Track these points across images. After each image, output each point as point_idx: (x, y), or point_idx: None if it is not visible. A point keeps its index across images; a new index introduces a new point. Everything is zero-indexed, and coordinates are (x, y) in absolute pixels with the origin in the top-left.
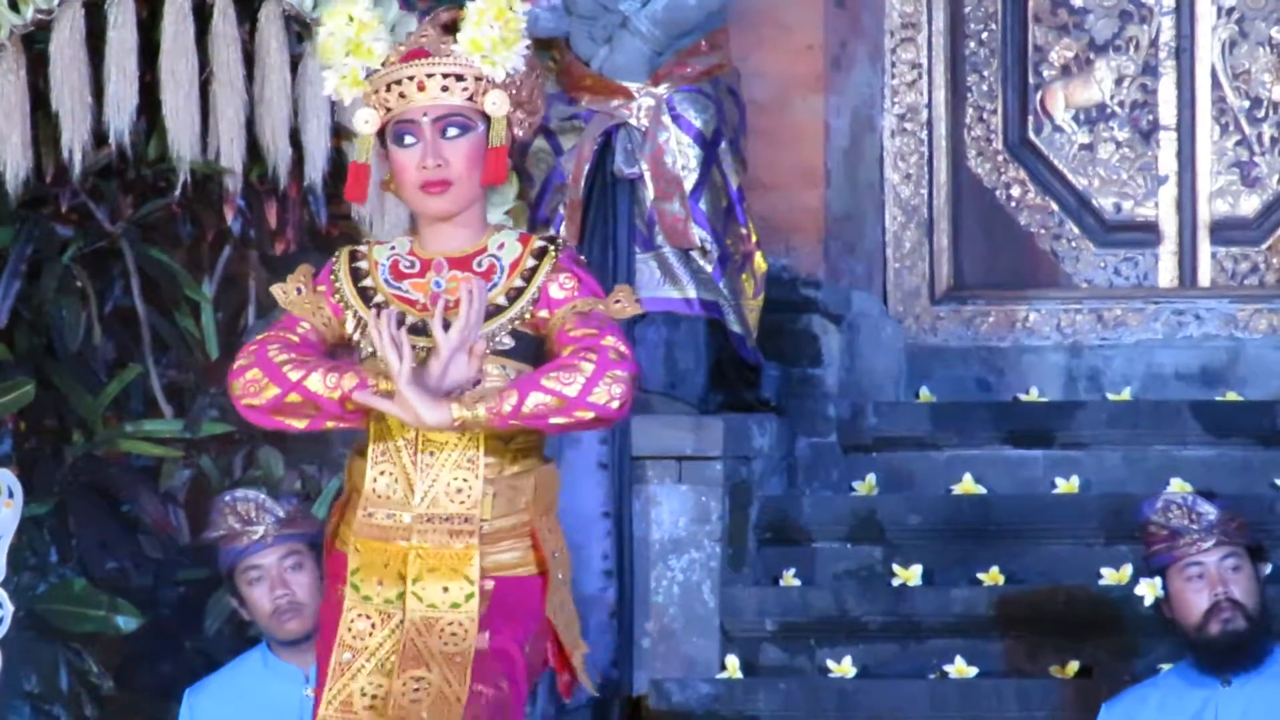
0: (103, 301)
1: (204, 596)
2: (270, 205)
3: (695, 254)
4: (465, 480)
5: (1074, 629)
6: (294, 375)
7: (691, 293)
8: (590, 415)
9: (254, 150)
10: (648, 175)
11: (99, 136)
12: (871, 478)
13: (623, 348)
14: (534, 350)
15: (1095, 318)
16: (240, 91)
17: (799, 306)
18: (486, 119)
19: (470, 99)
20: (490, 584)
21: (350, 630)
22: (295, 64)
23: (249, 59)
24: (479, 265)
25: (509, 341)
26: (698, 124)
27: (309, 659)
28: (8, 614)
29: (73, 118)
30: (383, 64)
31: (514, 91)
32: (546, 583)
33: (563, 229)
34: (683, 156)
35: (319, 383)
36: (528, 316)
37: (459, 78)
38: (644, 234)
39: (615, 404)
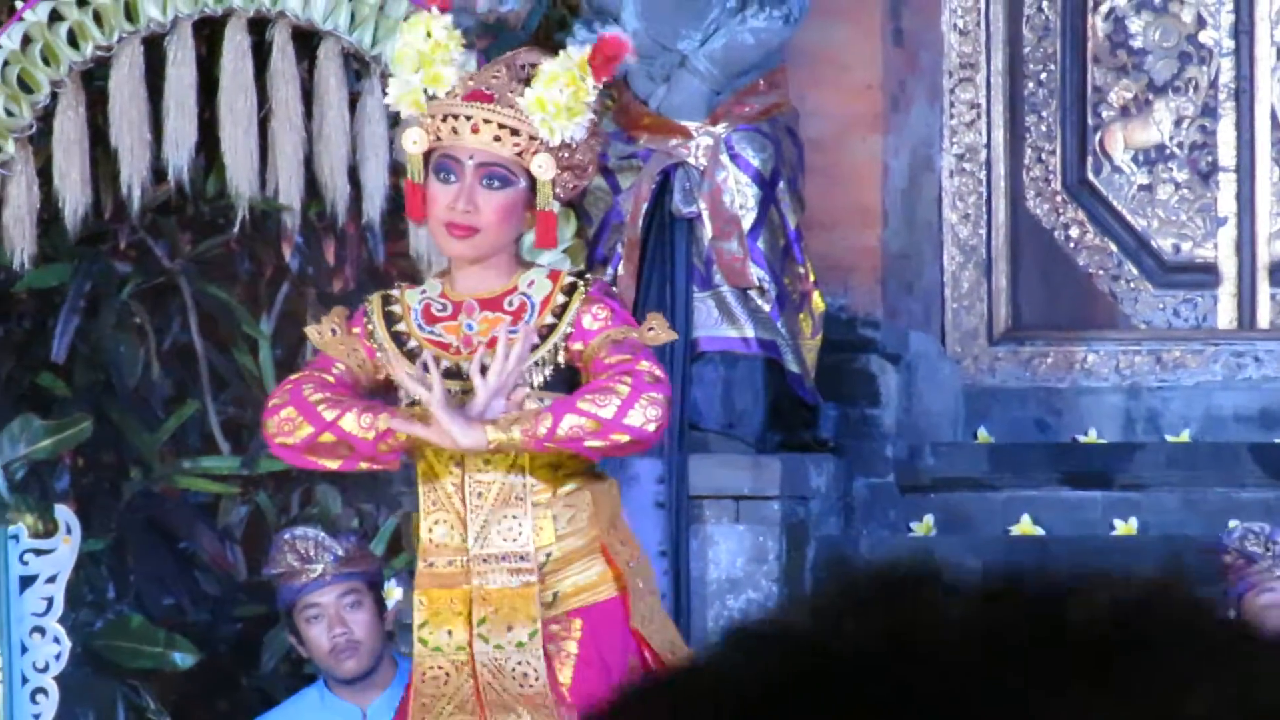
0: (161, 338)
1: (261, 633)
2: (328, 242)
3: (753, 293)
4: (515, 517)
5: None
6: (329, 414)
7: (749, 332)
8: (626, 438)
9: (312, 187)
10: (706, 214)
11: (158, 173)
12: (929, 518)
13: (658, 371)
14: (569, 382)
15: (1154, 359)
16: (299, 128)
17: (857, 346)
18: (531, 177)
19: (519, 154)
20: (578, 623)
21: (424, 681)
22: (354, 101)
23: (308, 96)
24: (509, 304)
25: (542, 377)
26: (756, 163)
27: (367, 697)
28: (65, 650)
29: (132, 154)
30: (447, 92)
31: (565, 156)
32: (627, 599)
33: (620, 268)
34: (741, 196)
35: (353, 422)
36: (562, 352)
37: (514, 131)
38: (702, 273)
39: (651, 426)
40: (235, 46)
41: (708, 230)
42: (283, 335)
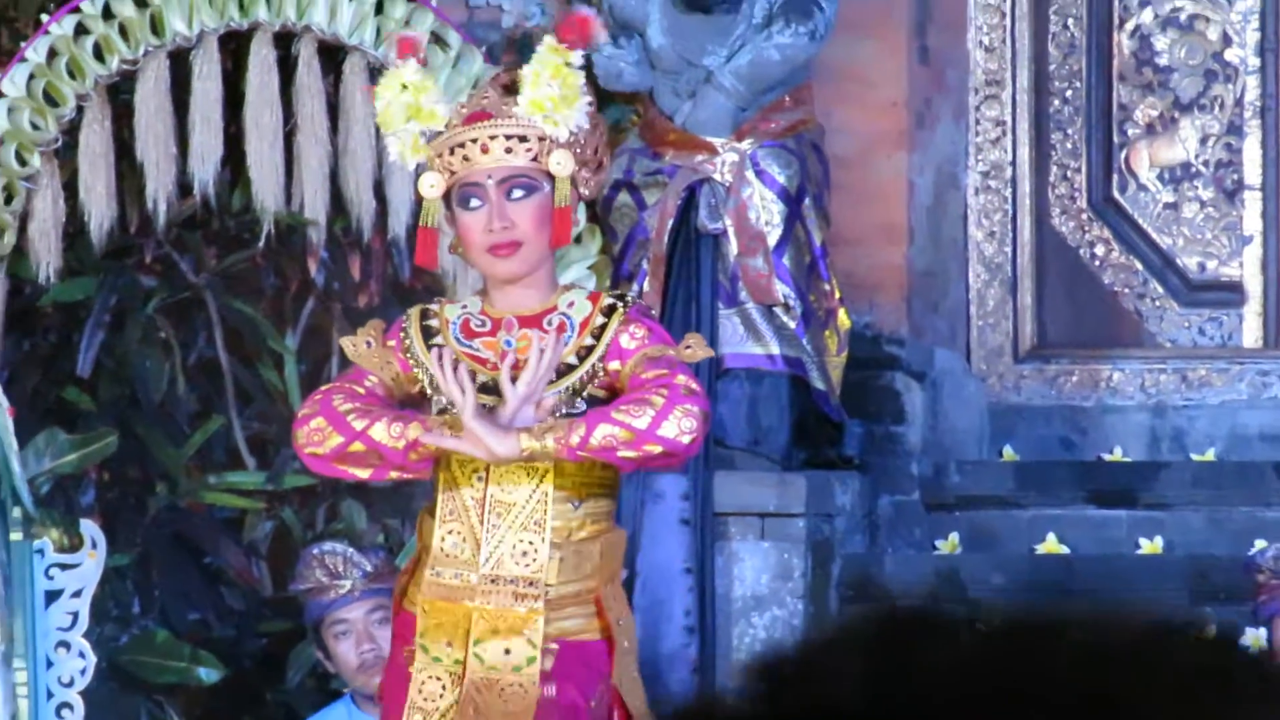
0: (186, 352)
1: (286, 648)
2: (354, 257)
3: (778, 310)
4: (531, 543)
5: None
6: (358, 424)
7: (775, 349)
8: (659, 449)
9: (338, 202)
10: (731, 231)
11: (183, 187)
12: (954, 536)
13: (694, 385)
14: (606, 402)
15: (1179, 378)
16: (324, 143)
17: (882, 363)
18: (552, 179)
19: (535, 160)
20: (555, 646)
21: (421, 692)
22: None
23: (333, 110)
24: (549, 323)
25: (581, 405)
26: (781, 179)
27: None
28: (90, 665)
29: (157, 168)
30: (445, 126)
31: (578, 150)
32: (612, 648)
33: (646, 284)
34: (766, 212)
35: (383, 432)
36: (600, 373)
37: (522, 139)
38: (727, 290)
39: (686, 438)
40: (261, 61)
41: (733, 246)
42: (308, 350)
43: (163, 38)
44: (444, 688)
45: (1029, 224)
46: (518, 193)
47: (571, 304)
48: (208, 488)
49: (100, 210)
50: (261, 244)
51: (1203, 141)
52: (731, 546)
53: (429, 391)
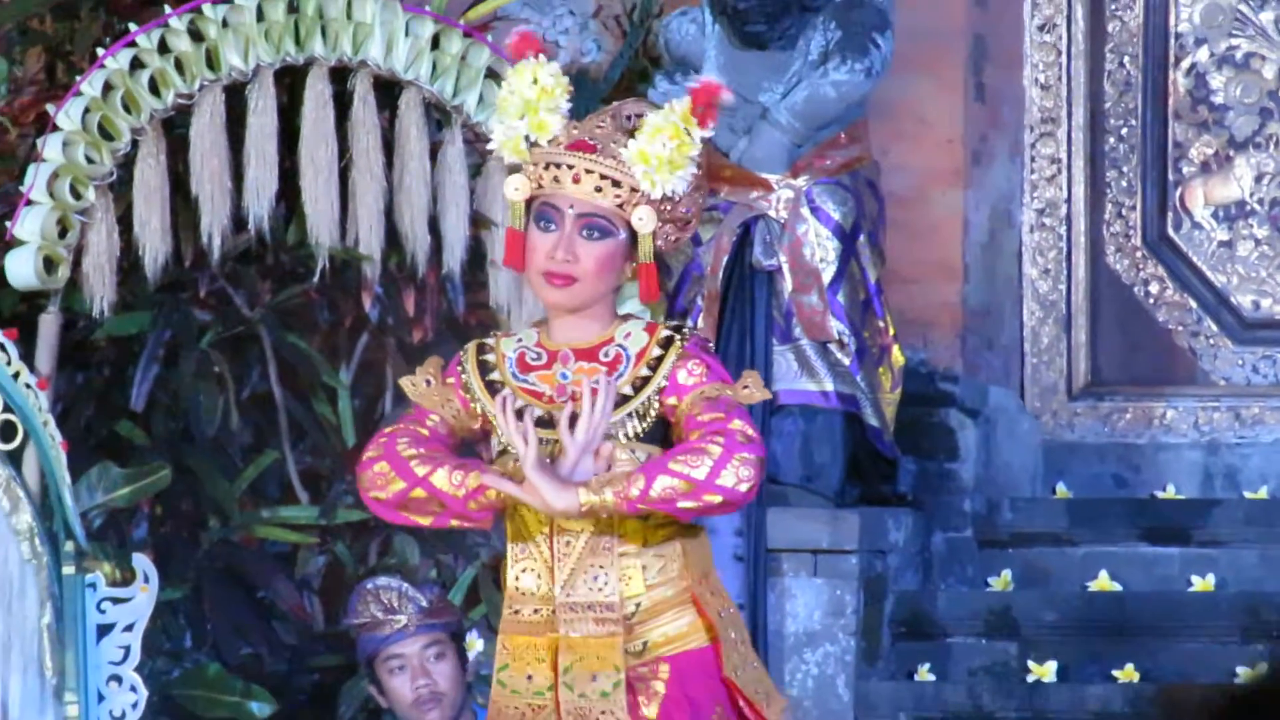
0: (240, 387)
1: (338, 683)
2: (408, 293)
3: (833, 347)
4: (602, 567)
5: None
6: (420, 470)
7: (829, 385)
8: (719, 499)
9: (392, 237)
10: (786, 267)
11: (238, 222)
12: (1007, 573)
13: (750, 431)
14: (662, 433)
15: (1233, 415)
16: (379, 178)
17: (936, 400)
18: (629, 228)
19: (620, 206)
20: (666, 667)
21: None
22: (435, 151)
23: (389, 146)
24: (605, 355)
25: (641, 430)
26: (836, 216)
27: None
28: (142, 699)
29: (212, 203)
30: (550, 140)
31: (667, 208)
32: (719, 648)
33: (700, 320)
34: (821, 249)
35: (445, 479)
36: (655, 405)
37: (616, 183)
38: (781, 326)
39: (744, 486)
40: (317, 95)
41: (788, 283)
42: (362, 385)
43: (218, 72)
44: (523, 716)
45: (1084, 261)
46: (593, 232)
47: (628, 335)
48: (260, 522)
49: (155, 244)
50: (316, 279)
51: (1258, 180)
52: (784, 583)
53: (490, 427)
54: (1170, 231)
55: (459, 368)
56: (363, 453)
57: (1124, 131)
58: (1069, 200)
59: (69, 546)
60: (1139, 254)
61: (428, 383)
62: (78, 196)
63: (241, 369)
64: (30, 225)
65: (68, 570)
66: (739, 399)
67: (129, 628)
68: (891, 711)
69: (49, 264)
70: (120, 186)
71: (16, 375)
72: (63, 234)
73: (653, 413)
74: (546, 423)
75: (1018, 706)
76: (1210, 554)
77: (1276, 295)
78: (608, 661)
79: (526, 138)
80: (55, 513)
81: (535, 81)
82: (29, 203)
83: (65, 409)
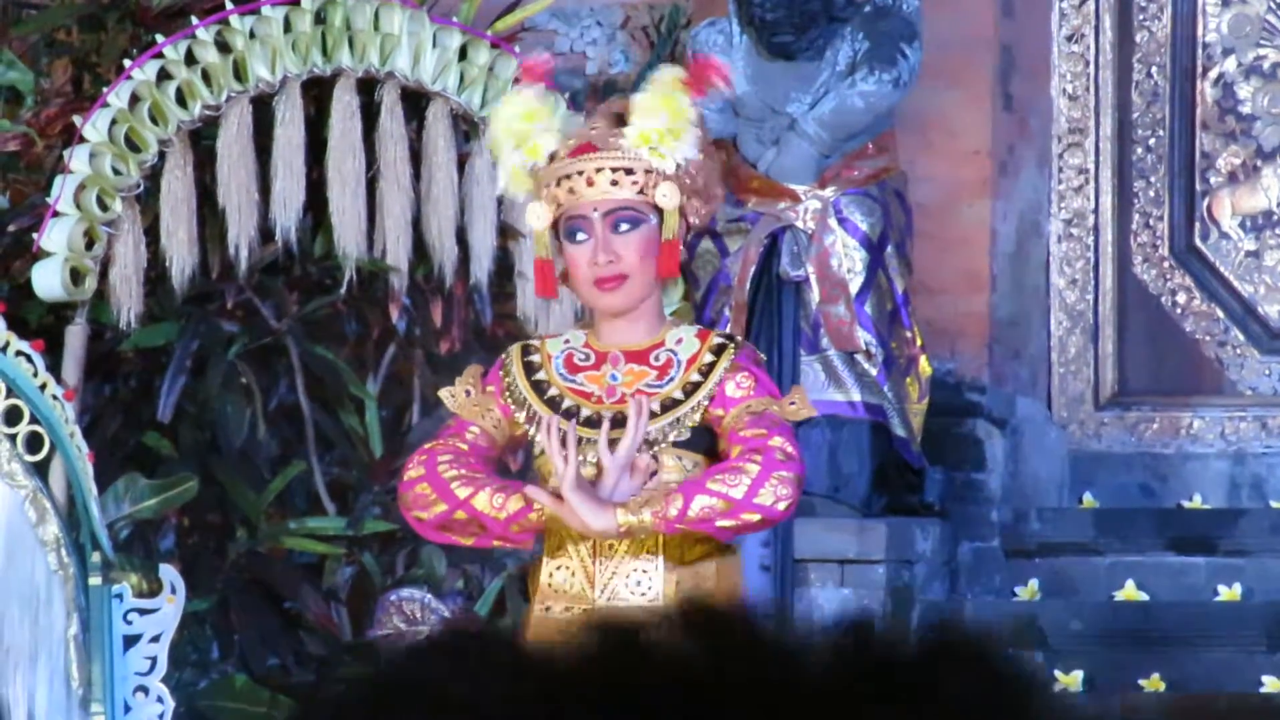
0: (267, 398)
1: None
2: (436, 304)
3: (860, 357)
4: (645, 571)
5: None
6: (462, 493)
7: (856, 396)
8: (757, 517)
9: (420, 248)
10: (813, 278)
11: (265, 233)
12: (1034, 583)
13: (790, 449)
14: (709, 441)
15: (1259, 425)
16: (407, 189)
17: (963, 411)
18: (659, 211)
19: (641, 192)
20: None
21: None
22: (462, 162)
23: (416, 157)
24: (656, 360)
25: (684, 434)
26: (864, 227)
27: None
28: (169, 710)
29: (239, 214)
30: (551, 158)
31: (687, 181)
32: None
33: (728, 330)
34: (848, 259)
35: (486, 502)
36: (703, 413)
37: (628, 171)
38: (809, 336)
39: (782, 505)
40: (344, 107)
41: (815, 294)
42: (389, 396)
43: (245, 83)
44: None
45: (1111, 272)
46: (624, 226)
47: (680, 340)
48: (288, 533)
49: (182, 256)
50: (343, 290)
51: None
52: (811, 592)
53: (532, 432)
54: (1197, 241)
55: (501, 371)
56: (405, 470)
57: (1151, 142)
58: (1096, 210)
59: (96, 557)
60: (1166, 264)
61: (467, 393)
62: (105, 208)
63: (269, 380)
64: (57, 237)
65: (94, 581)
66: (784, 415)
67: (156, 639)
68: None
69: (76, 276)
70: (147, 198)
71: (43, 387)
72: (89, 246)
73: (698, 419)
74: (594, 423)
75: None
76: (1237, 564)
77: None
78: None
79: (527, 165)
80: (82, 524)
81: (522, 113)
82: (56, 214)
83: (92, 420)
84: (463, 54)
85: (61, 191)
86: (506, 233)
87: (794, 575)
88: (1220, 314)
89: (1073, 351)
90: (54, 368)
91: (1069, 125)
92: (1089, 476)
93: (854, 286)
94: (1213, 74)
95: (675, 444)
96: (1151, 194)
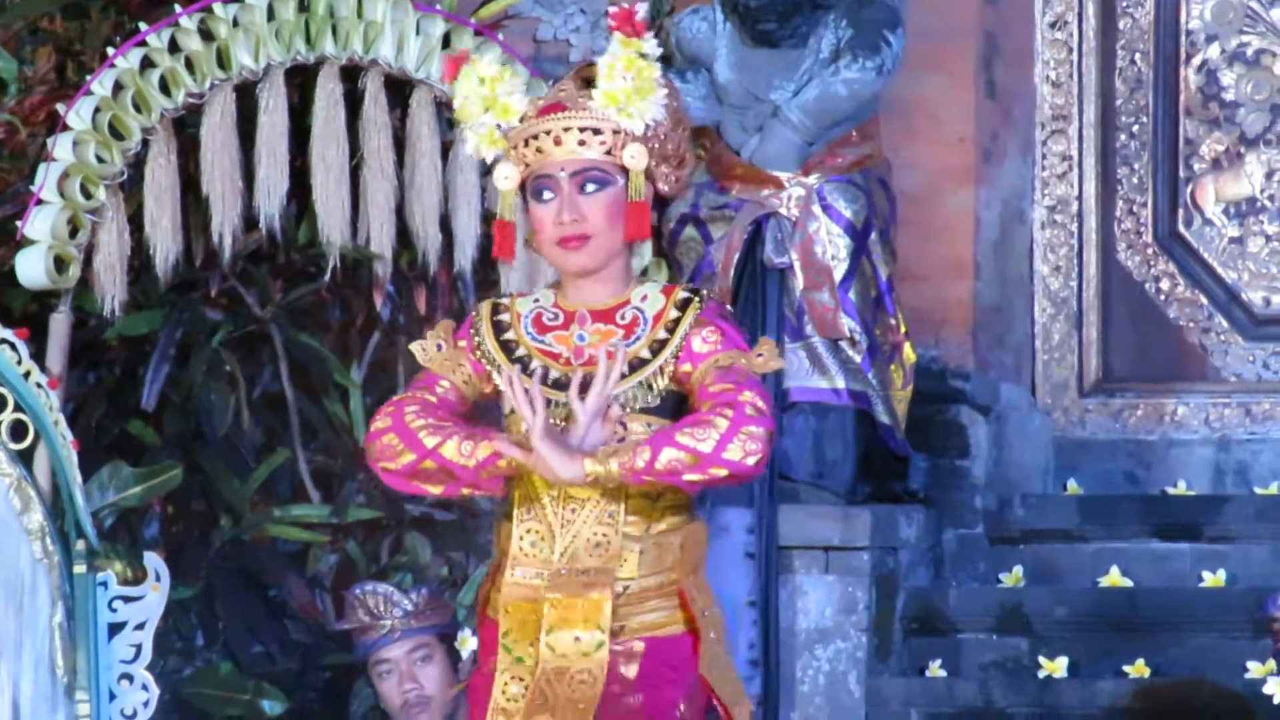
0: (251, 386)
1: (350, 681)
2: (420, 291)
3: (844, 344)
4: (605, 535)
5: None
6: (429, 441)
7: (840, 383)
8: (725, 472)
9: (404, 236)
10: (797, 265)
11: (249, 221)
12: (1018, 569)
13: (760, 403)
14: (676, 405)
15: (1244, 412)
16: (391, 177)
17: (947, 398)
18: (626, 172)
19: (609, 153)
20: (640, 644)
21: (504, 694)
22: (446, 150)
23: (400, 144)
24: (622, 318)
25: (652, 399)
26: (848, 214)
27: None
28: (153, 698)
29: (223, 202)
30: (520, 119)
31: (655, 145)
32: (697, 641)
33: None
34: (833, 246)
35: (454, 450)
36: (670, 370)
37: (596, 131)
38: (793, 324)
39: (751, 460)
40: (327, 94)
41: (799, 281)
42: (373, 384)
43: (229, 71)
44: (526, 688)
45: (1095, 258)
46: (590, 186)
47: (645, 297)
48: (272, 521)
49: (165, 244)
50: (327, 278)
51: (1269, 176)
52: (796, 580)
53: (503, 389)
54: (1181, 228)
55: (472, 329)
56: (372, 421)
57: (1135, 128)
58: (1080, 197)
59: (80, 545)
60: (1150, 251)
61: (439, 347)
62: (88, 196)
63: (253, 368)
64: (41, 225)
65: (79, 569)
66: (753, 368)
67: (140, 626)
68: (903, 708)
69: (60, 263)
70: (131, 186)
71: (27, 375)
72: (73, 233)
73: (666, 377)
74: (562, 384)
75: (1029, 702)
76: (1221, 550)
77: None
78: (592, 622)
79: (498, 127)
80: (66, 512)
81: (483, 80)
82: (40, 202)
83: (76, 408)
84: (446, 41)
85: (45, 179)
86: (490, 219)
87: (778, 562)
88: (1204, 300)
89: (1057, 338)
90: (38, 355)
91: (1052, 112)
92: (1073, 463)
93: (838, 273)
94: (1196, 60)
95: (643, 409)
96: (1135, 181)
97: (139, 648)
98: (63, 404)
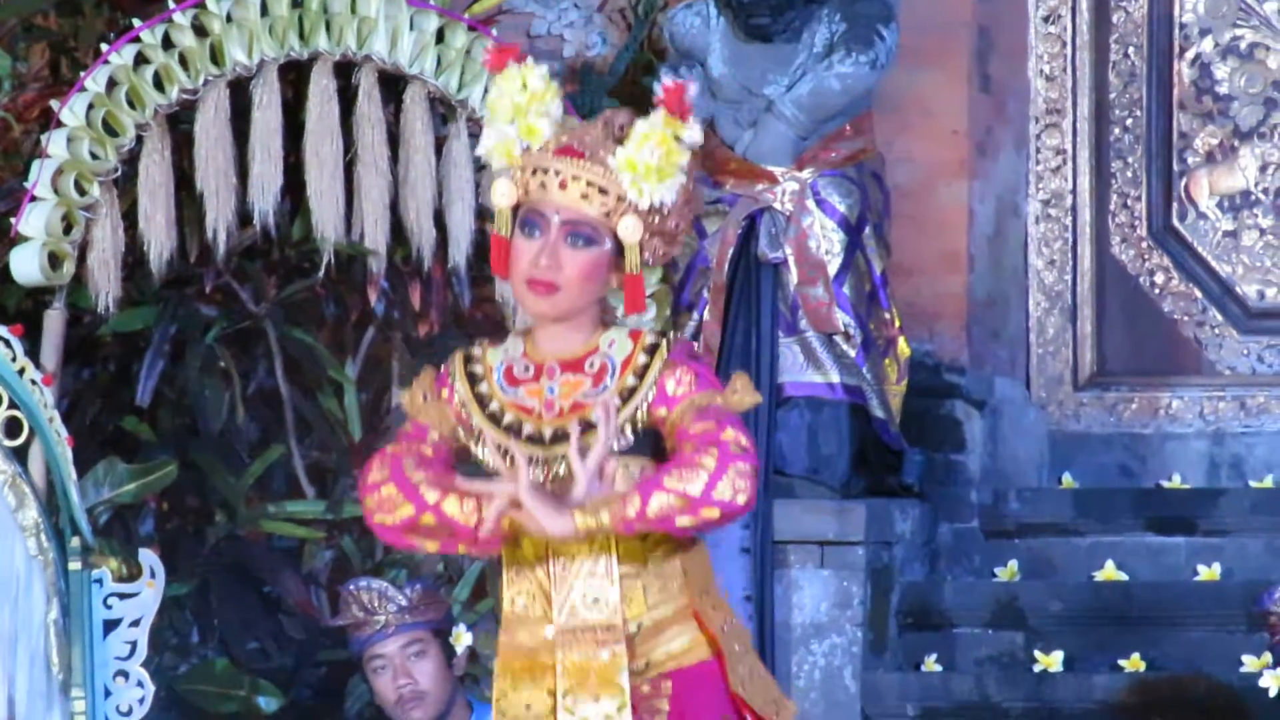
0: (246, 382)
1: (345, 677)
2: (414, 287)
3: (839, 339)
4: (600, 588)
5: (1215, 716)
6: (430, 496)
7: (835, 377)
8: (716, 513)
9: (398, 232)
10: (791, 259)
11: (243, 217)
12: (1013, 563)
13: (744, 440)
14: (651, 443)
15: (1238, 405)
16: (385, 173)
17: (942, 392)
18: (616, 238)
19: (606, 215)
20: (669, 684)
21: None
22: (440, 145)
23: (394, 140)
24: (590, 366)
25: (626, 440)
26: (842, 208)
27: None
28: (149, 694)
29: (217, 198)
30: (539, 146)
31: (654, 220)
32: (724, 662)
33: (706, 313)
34: (827, 241)
35: (455, 507)
36: (644, 416)
37: (602, 190)
38: (787, 318)
39: (740, 498)
40: (321, 90)
41: (793, 275)
42: (368, 379)
43: (223, 67)
44: None
45: (1089, 252)
46: (577, 240)
47: (612, 343)
48: (267, 517)
49: (160, 240)
50: (321, 273)
51: (1262, 169)
52: (791, 574)
53: (472, 445)
54: (1175, 222)
55: (449, 380)
56: (365, 473)
57: (1129, 122)
58: (1074, 191)
59: (75, 542)
60: (1144, 244)
61: (424, 397)
62: (82, 192)
63: (247, 364)
64: (35, 221)
65: (74, 566)
66: (730, 406)
67: (135, 623)
68: (898, 702)
69: (54, 260)
70: (125, 182)
71: (22, 371)
72: (68, 230)
73: (640, 423)
74: (535, 439)
75: (1024, 697)
76: (1216, 543)
77: None
78: (611, 684)
79: (518, 143)
80: (61, 509)
81: (524, 86)
82: (34, 199)
83: (71, 405)
84: (440, 37)
85: (39, 176)
86: (485, 216)
87: (773, 557)
88: (1198, 294)
89: (1051, 332)
90: (32, 352)
91: (1046, 106)
92: (1068, 457)
93: (832, 268)
94: (1190, 54)
95: (618, 451)
96: (1129, 174)
97: (134, 644)
98: (57, 400)
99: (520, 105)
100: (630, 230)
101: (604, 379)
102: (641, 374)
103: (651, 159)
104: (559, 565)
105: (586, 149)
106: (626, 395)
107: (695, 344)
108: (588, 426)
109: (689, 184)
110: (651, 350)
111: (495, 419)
